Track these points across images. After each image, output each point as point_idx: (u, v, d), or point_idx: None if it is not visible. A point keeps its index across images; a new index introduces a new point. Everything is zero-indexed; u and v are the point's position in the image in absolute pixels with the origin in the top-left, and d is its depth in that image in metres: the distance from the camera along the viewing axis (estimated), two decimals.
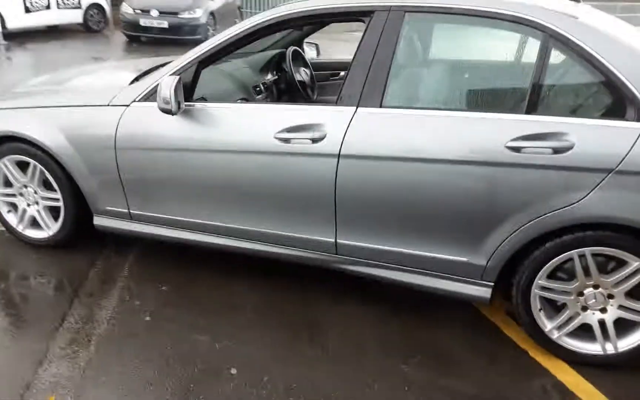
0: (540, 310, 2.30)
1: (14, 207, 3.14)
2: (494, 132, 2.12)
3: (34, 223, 3.11)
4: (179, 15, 10.71)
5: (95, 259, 3.05)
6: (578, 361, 2.31)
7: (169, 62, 2.75)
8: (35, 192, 3.03)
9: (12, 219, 3.15)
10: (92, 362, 2.24)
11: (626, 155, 1.97)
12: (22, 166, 2.98)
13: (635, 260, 2.08)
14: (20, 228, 3.15)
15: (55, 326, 2.46)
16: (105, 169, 2.76)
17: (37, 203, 3.06)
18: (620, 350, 2.23)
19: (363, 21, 2.38)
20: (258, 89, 3.39)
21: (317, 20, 2.86)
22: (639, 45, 2.12)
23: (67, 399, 2.04)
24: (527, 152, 2.07)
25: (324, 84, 3.91)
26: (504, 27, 2.21)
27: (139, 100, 2.65)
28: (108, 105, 2.71)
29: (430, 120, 2.23)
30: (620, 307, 2.20)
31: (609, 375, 2.25)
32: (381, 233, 2.40)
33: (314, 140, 2.33)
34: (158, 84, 2.46)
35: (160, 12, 10.63)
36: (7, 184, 3.08)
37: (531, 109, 2.13)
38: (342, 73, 3.99)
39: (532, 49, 2.16)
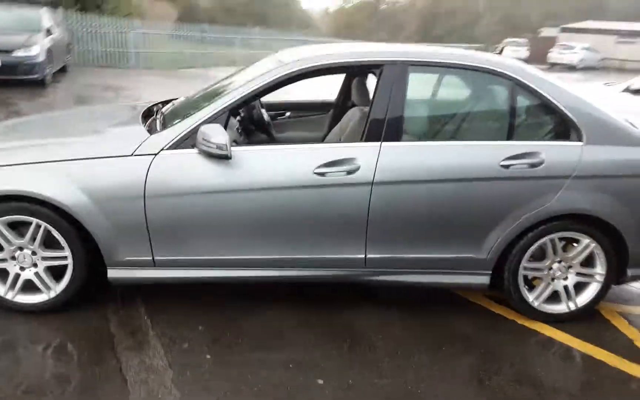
0: (524, 286, 3.05)
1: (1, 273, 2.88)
2: (489, 155, 2.83)
3: (25, 288, 2.89)
4: (14, 54, 9.69)
5: (104, 314, 2.96)
6: (552, 320, 3.10)
7: (153, 106, 2.94)
8: (34, 254, 2.84)
9: (3, 288, 2.88)
10: None
11: (577, 165, 2.83)
12: (13, 227, 2.79)
13: (586, 239, 2.95)
14: (9, 296, 2.88)
15: (122, 390, 2.40)
16: (131, 220, 2.77)
17: (34, 265, 2.87)
18: (580, 305, 3.09)
19: (374, 73, 2.91)
20: (239, 130, 3.63)
21: (335, 72, 3.25)
22: (567, 86, 3.03)
23: None
24: (514, 168, 2.82)
25: (276, 123, 4.30)
26: (483, 77, 2.96)
27: (169, 148, 2.75)
28: (132, 155, 2.75)
29: (440, 149, 2.85)
30: (577, 274, 3.06)
31: (574, 324, 3.08)
32: (405, 243, 2.92)
33: (349, 172, 2.76)
34: (198, 131, 2.64)
35: None
36: None
37: (510, 136, 2.90)
38: (288, 113, 4.44)
39: (503, 93, 2.94)
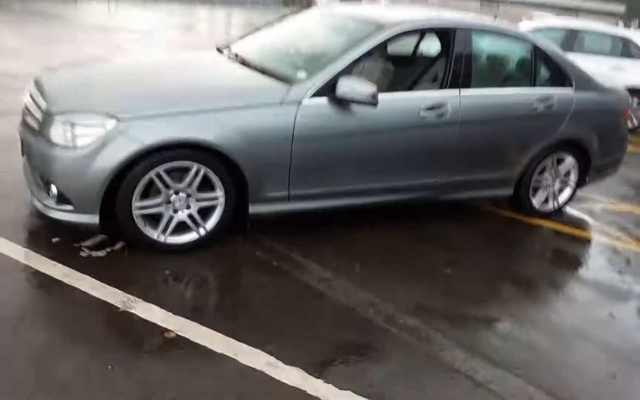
0: (532, 194, 4.23)
1: (151, 218, 2.99)
2: (525, 98, 3.88)
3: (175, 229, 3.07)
4: None
5: (243, 246, 3.28)
6: (544, 216, 4.37)
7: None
8: (188, 196, 3.02)
9: (155, 232, 3.00)
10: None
11: (572, 105, 4.05)
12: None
13: (570, 157, 4.24)
14: (162, 239, 3.03)
15: (320, 296, 2.91)
16: (277, 160, 3.15)
17: (188, 207, 3.05)
18: (561, 202, 4.41)
19: (450, 36, 3.68)
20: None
21: (423, 33, 3.87)
22: (558, 47, 4.20)
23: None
24: (539, 109, 3.91)
25: None
26: (515, 41, 3.97)
27: (311, 97, 3.16)
28: (281, 103, 3.10)
29: (496, 94, 3.81)
30: (561, 182, 4.36)
31: (556, 218, 4.41)
32: (469, 168, 3.84)
33: (441, 115, 3.54)
34: (340, 82, 3.12)
35: None
36: (148, 195, 2.93)
37: (534, 84, 3.99)
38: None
39: (527, 53, 4.00)
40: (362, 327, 2.68)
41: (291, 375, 2.25)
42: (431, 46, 4.17)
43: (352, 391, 2.22)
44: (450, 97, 3.59)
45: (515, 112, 3.85)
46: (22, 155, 3.27)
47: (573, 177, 4.37)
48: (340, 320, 2.71)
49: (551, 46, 4.13)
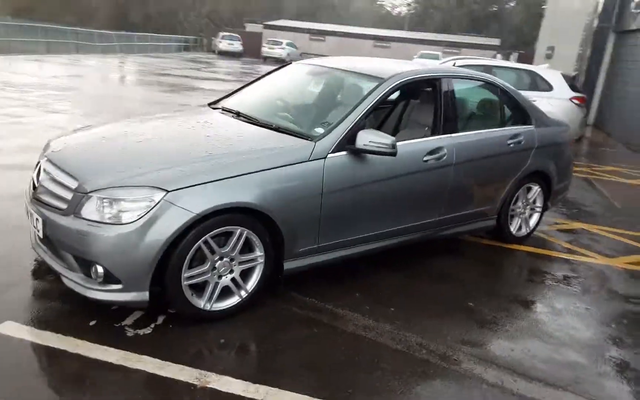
0: (509, 221, 4.68)
1: (195, 287, 2.95)
2: (501, 137, 4.33)
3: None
4: None
5: (262, 312, 3.30)
6: (517, 240, 4.84)
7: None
8: (231, 260, 3.02)
9: (201, 301, 2.96)
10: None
11: (535, 140, 4.59)
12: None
13: (536, 185, 4.76)
14: (207, 307, 2.99)
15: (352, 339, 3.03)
16: (310, 215, 3.26)
17: (231, 272, 3.04)
18: (532, 226, 4.90)
19: (435, 86, 4.04)
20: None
21: (417, 85, 4.19)
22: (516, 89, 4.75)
23: None
24: (512, 146, 4.39)
25: None
26: (485, 85, 4.43)
27: (333, 152, 3.33)
28: (310, 160, 3.23)
29: (477, 136, 4.20)
30: (531, 208, 4.86)
31: (530, 241, 4.89)
32: (462, 204, 4.18)
33: (439, 158, 3.86)
34: (359, 135, 3.33)
35: None
36: (194, 263, 2.90)
37: (503, 124, 4.47)
38: None
39: (496, 95, 4.49)
40: (424, 369, 2.84)
41: None
42: (416, 94, 4.50)
43: None
44: (445, 142, 3.92)
45: (495, 150, 4.28)
46: (37, 237, 3.08)
47: (539, 203, 4.90)
48: (401, 366, 2.84)
49: (512, 88, 4.66)
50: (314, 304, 3.38)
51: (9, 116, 8.35)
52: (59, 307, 3.04)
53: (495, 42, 42.56)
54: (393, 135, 3.96)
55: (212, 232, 2.88)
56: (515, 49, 42.09)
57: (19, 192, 4.82)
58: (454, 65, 9.04)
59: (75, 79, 15.03)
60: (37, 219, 2.98)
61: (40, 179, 3.08)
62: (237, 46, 38.27)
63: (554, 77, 9.58)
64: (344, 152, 3.37)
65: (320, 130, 3.47)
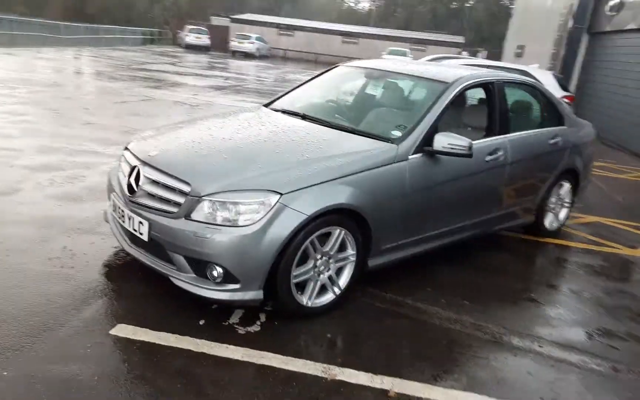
0: (546, 217, 4.97)
1: (297, 285, 3.06)
2: (544, 138, 4.60)
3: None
4: None
5: (350, 307, 3.45)
6: (551, 234, 5.14)
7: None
8: (329, 259, 3.14)
9: (304, 298, 3.08)
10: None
11: (569, 140, 4.89)
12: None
13: (568, 182, 5.08)
14: (309, 303, 3.11)
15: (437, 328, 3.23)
16: (395, 214, 3.42)
17: (328, 270, 3.16)
18: (562, 218, 5.22)
19: (490, 90, 4.25)
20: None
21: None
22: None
23: None
24: (551, 146, 4.67)
25: None
26: (528, 89, 4.69)
27: (413, 154, 3.49)
28: (395, 162, 3.38)
29: (524, 136, 4.45)
30: (564, 201, 5.17)
31: (565, 234, 5.20)
32: (509, 203, 4.42)
33: (497, 158, 4.09)
34: (436, 138, 3.50)
35: None
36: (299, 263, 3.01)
37: (543, 125, 4.75)
38: None
39: (537, 98, 4.75)
40: (515, 354, 3.06)
41: None
42: (474, 98, 4.71)
43: None
44: (502, 142, 4.16)
45: (540, 150, 4.55)
46: (132, 240, 3.12)
47: (568, 199, 5.22)
48: (496, 353, 3.06)
49: (548, 90, 4.94)
50: (394, 299, 3.54)
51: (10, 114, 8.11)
52: (162, 308, 3.08)
53: (460, 39, 43.61)
54: None
55: (317, 233, 3.00)
56: (475, 46, 43.29)
57: (62, 192, 4.80)
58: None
59: (57, 74, 14.60)
60: (140, 223, 3.02)
61: (140, 183, 3.10)
62: (204, 40, 37.62)
63: (545, 76, 9.99)
64: (420, 154, 3.53)
65: (397, 133, 3.61)
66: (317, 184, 3.00)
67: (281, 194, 2.86)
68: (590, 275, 4.42)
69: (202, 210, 2.84)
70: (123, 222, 3.18)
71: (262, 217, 2.80)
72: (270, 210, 2.82)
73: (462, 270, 4.17)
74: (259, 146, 3.41)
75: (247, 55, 36.28)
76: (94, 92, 12.05)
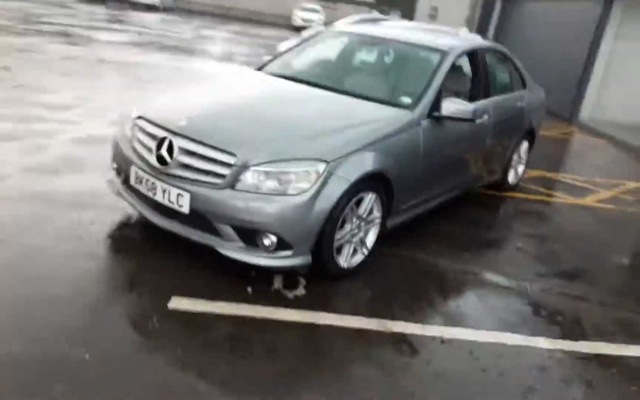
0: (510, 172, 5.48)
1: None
2: (515, 100, 5.04)
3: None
4: None
5: (383, 260, 3.67)
6: (513, 187, 5.67)
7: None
8: (360, 222, 3.31)
9: (341, 260, 3.24)
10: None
11: (530, 102, 5.38)
12: None
13: (526, 141, 5.61)
14: (346, 265, 3.27)
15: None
16: (412, 175, 3.65)
17: (360, 232, 3.33)
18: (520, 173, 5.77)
19: (475, 57, 4.55)
20: None
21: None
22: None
23: None
24: (520, 107, 5.13)
25: None
26: (500, 55, 5.07)
27: (425, 119, 3.72)
28: (411, 126, 3.59)
29: (501, 99, 4.85)
30: (519, 157, 5.71)
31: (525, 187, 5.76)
32: (492, 159, 4.84)
33: (484, 121, 4.45)
34: (444, 103, 3.76)
35: None
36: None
37: (512, 89, 5.19)
38: None
39: (507, 63, 5.17)
40: (523, 299, 3.48)
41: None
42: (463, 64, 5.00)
43: None
44: (487, 106, 4.51)
45: (512, 112, 5.01)
46: (169, 211, 3.06)
47: (524, 156, 5.76)
48: (502, 293, 3.46)
49: (515, 57, 5.37)
50: (407, 255, 3.81)
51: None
52: (204, 278, 3.09)
53: None
54: None
55: (355, 198, 3.15)
56: (389, 6, 44.04)
57: (36, 164, 4.50)
58: None
59: None
60: (179, 195, 2.97)
61: (174, 154, 3.02)
62: None
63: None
64: (429, 119, 3.77)
65: (407, 100, 3.81)
66: (355, 151, 3.13)
67: (328, 162, 2.96)
68: (556, 220, 5.02)
69: (249, 180, 2.87)
70: (154, 194, 3.10)
71: (312, 185, 2.89)
72: (319, 178, 2.91)
73: (454, 224, 4.54)
74: (288, 113, 3.45)
75: (150, 8, 33.96)
76: (6, 49, 10.89)
